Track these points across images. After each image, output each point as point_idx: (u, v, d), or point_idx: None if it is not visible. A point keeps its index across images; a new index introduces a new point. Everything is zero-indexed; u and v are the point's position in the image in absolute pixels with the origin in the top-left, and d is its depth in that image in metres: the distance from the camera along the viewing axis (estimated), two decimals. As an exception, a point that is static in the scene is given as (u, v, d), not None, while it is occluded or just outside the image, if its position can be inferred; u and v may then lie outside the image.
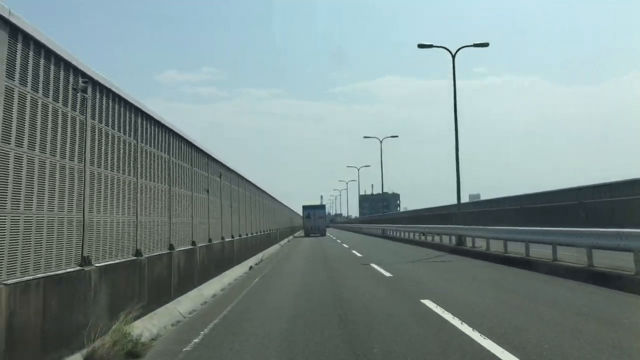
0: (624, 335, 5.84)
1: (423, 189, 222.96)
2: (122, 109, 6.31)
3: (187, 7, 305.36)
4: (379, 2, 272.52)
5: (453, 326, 6.42)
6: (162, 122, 7.97)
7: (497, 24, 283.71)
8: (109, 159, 5.84)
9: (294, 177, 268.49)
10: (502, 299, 8.72)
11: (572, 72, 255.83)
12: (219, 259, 12.31)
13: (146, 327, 6.31)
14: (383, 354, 5.26)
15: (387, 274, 12.99)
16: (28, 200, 4.17)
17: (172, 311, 7.66)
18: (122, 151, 6.27)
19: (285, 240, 39.09)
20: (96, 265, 5.31)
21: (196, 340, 6.24)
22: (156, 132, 7.78)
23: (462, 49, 21.45)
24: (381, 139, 44.46)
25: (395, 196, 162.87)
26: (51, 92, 4.56)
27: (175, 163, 8.89)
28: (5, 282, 3.75)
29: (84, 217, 5.09)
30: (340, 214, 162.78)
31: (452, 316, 7.01)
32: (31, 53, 4.27)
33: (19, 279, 3.95)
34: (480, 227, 18.65)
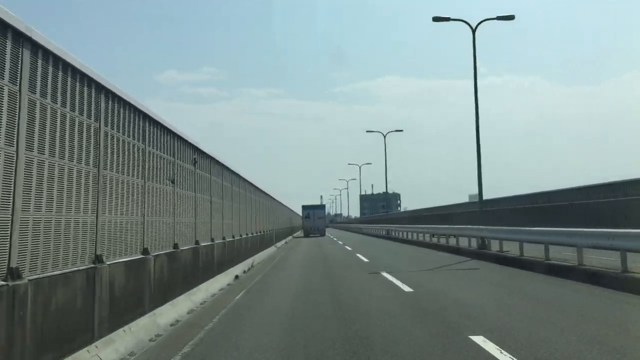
0: None
1: (423, 189, 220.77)
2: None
3: (187, 7, 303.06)
4: (379, 2, 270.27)
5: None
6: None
7: (496, 24, 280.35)
8: None
9: (294, 177, 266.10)
10: (615, 343, 5.91)
11: (572, 72, 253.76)
12: (190, 270, 9.50)
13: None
14: None
15: (406, 288, 10.19)
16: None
17: (88, 362, 4.84)
18: None
19: (283, 241, 36.27)
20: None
21: None
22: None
23: (485, 22, 18.63)
24: (385, 133, 41.73)
25: (396, 196, 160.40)
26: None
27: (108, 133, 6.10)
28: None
29: None
30: (340, 214, 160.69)
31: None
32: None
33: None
34: (513, 228, 15.78)
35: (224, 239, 13.38)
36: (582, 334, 5.93)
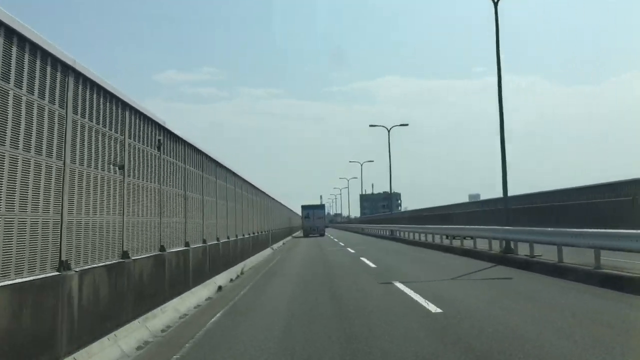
0: None
1: (423, 189, 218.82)
2: None
3: (187, 7, 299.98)
4: (379, 2, 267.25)
5: None
6: None
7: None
8: None
9: (294, 177, 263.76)
10: None
11: (572, 72, 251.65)
12: (149, 286, 7.19)
13: None
14: None
15: (432, 307, 7.87)
16: None
17: None
18: None
19: (280, 242, 33.95)
20: None
21: None
22: None
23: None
24: (389, 128, 39.35)
25: (396, 195, 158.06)
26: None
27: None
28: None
29: None
30: (340, 214, 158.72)
31: None
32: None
33: None
34: (549, 229, 13.41)
35: (204, 242, 11.06)
36: None
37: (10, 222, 4.02)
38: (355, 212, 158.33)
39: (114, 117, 6.19)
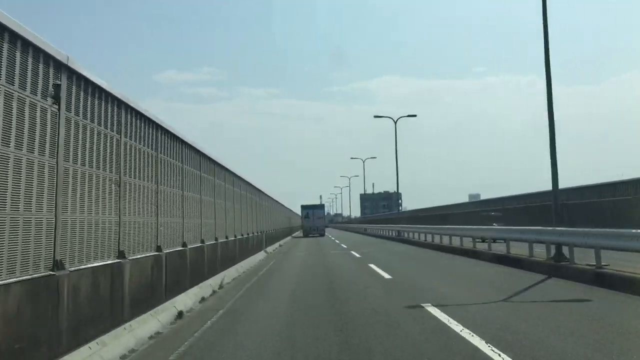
0: None
1: (423, 189, 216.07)
2: None
3: (187, 7, 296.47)
4: (379, 2, 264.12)
5: None
6: None
7: (497, 24, 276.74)
8: None
9: (294, 177, 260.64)
10: None
11: (572, 72, 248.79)
12: (40, 328, 3.95)
13: None
14: None
15: (512, 365, 4.64)
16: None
17: None
18: None
19: (277, 244, 30.69)
20: None
21: None
22: None
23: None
24: (395, 119, 36.05)
25: (397, 195, 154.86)
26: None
27: None
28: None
29: None
30: (341, 214, 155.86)
31: None
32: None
33: None
34: (632, 231, 10.05)
35: (158, 250, 7.83)
36: None
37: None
38: (355, 212, 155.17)
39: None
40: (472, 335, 5.86)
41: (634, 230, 9.76)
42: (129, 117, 6.75)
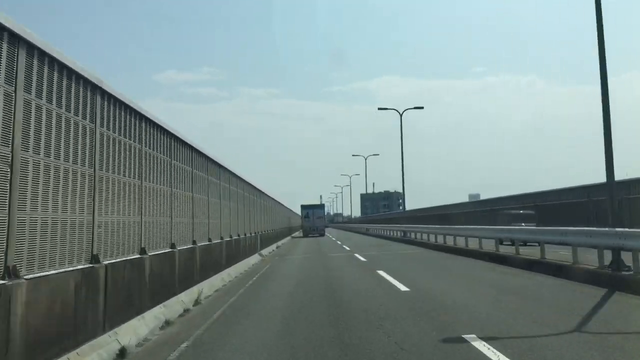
0: None
1: (423, 188, 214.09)
2: None
3: (187, 7, 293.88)
4: (379, 2, 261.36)
5: None
6: None
7: (497, 24, 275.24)
8: None
9: (294, 177, 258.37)
10: None
11: (572, 72, 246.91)
12: None
13: None
14: None
15: None
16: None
17: None
18: None
19: (274, 246, 28.37)
20: None
21: None
22: None
23: None
24: (401, 112, 33.68)
25: (398, 195, 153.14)
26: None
27: None
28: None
29: None
30: (341, 214, 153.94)
31: None
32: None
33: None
34: None
35: (93, 261, 5.49)
36: None
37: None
38: (356, 212, 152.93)
39: None
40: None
41: None
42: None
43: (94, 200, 5.56)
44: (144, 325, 6.54)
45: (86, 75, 5.33)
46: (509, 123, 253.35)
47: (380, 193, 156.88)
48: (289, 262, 18.63)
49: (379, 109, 33.49)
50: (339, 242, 33.74)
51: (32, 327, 4.13)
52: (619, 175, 11.37)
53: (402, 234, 33.36)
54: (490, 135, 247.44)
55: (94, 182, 5.59)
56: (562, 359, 4.89)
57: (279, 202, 37.28)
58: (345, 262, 17.76)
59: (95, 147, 5.62)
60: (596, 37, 11.22)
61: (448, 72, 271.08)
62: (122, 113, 6.55)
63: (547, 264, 12.32)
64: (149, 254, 7.31)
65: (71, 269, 4.94)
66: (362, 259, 18.86)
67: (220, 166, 13.78)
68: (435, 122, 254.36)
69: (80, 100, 5.28)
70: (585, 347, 5.25)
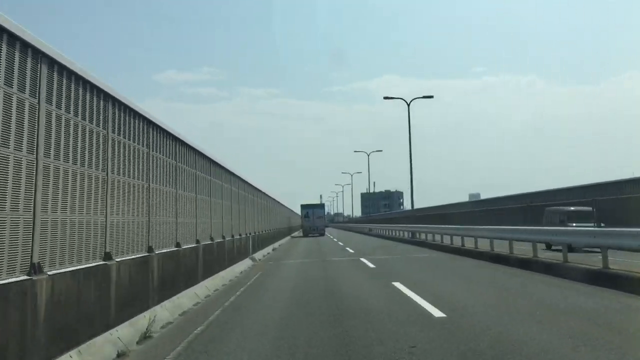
0: None
1: (424, 188, 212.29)
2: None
3: (187, 7, 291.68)
4: (379, 2, 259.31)
5: None
6: None
7: (497, 24, 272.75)
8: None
9: (294, 177, 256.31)
10: None
11: (572, 72, 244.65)
12: None
13: None
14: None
15: None
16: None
17: None
18: None
19: (270, 248, 25.91)
20: None
21: None
22: None
23: None
24: (408, 102, 31.07)
25: (399, 194, 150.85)
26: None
27: None
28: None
29: None
30: (341, 214, 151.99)
31: None
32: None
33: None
34: None
35: (31, 272, 4.18)
36: None
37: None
38: (356, 211, 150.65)
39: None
40: None
41: None
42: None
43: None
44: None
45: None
46: (509, 123, 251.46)
47: (380, 192, 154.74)
48: (284, 270, 15.75)
49: (385, 97, 31.45)
50: (341, 244, 31.22)
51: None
52: (624, 175, 9.01)
53: (410, 235, 30.66)
54: (490, 135, 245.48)
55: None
56: None
57: (278, 202, 35.03)
58: (351, 269, 15.06)
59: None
60: None
61: (448, 72, 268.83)
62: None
63: (612, 274, 9.62)
64: (107, 262, 4.81)
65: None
66: (369, 264, 16.20)
67: (204, 156, 11.15)
68: (435, 122, 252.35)
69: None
70: None
